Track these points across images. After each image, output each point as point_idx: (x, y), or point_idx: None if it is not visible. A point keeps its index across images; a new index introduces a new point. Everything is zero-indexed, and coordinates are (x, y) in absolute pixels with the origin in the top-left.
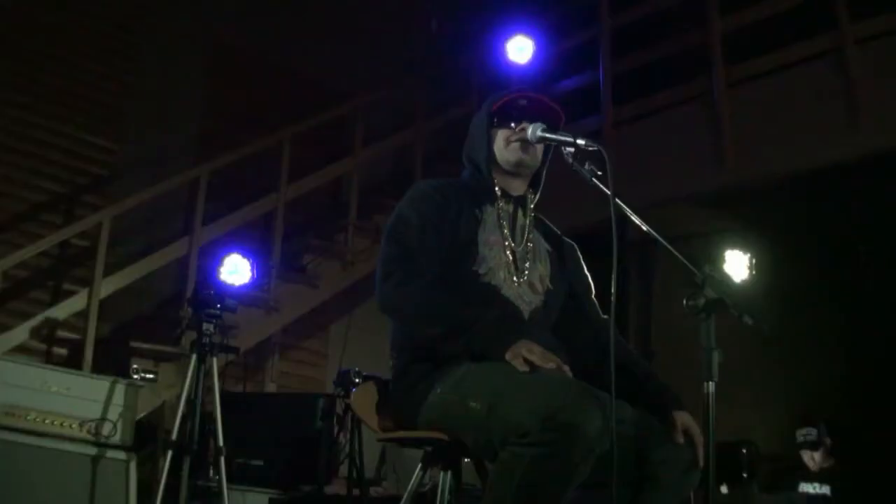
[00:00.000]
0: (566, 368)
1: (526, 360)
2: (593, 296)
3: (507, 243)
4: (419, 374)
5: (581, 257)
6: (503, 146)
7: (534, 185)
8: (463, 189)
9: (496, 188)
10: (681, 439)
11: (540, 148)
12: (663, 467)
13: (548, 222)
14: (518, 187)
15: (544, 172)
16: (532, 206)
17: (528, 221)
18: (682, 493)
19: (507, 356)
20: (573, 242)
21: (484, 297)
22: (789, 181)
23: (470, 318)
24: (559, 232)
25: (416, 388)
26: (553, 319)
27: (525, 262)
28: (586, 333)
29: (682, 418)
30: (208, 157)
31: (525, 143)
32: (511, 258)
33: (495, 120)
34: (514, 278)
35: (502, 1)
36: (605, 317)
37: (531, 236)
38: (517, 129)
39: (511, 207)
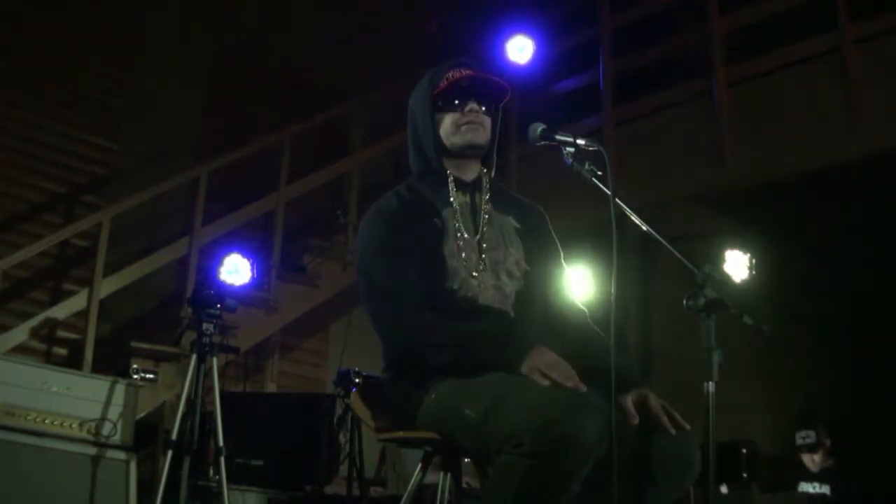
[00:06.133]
0: (582, 386)
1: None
2: (562, 259)
3: (471, 240)
4: (413, 379)
5: (548, 222)
6: (451, 132)
7: (485, 162)
8: (416, 196)
9: (450, 178)
10: (634, 420)
11: (488, 122)
12: (662, 464)
13: (507, 191)
14: (471, 170)
15: (495, 149)
16: (488, 185)
17: (488, 206)
18: (682, 488)
19: (524, 370)
20: (539, 207)
21: (465, 312)
22: (789, 181)
23: (473, 338)
24: (522, 199)
25: (411, 393)
26: (540, 298)
27: (496, 252)
28: (556, 323)
29: (636, 396)
30: (208, 157)
31: (473, 124)
32: (478, 255)
33: (439, 104)
34: (488, 276)
35: (502, 1)
36: (575, 302)
37: (494, 220)
38: (465, 111)
39: (468, 197)
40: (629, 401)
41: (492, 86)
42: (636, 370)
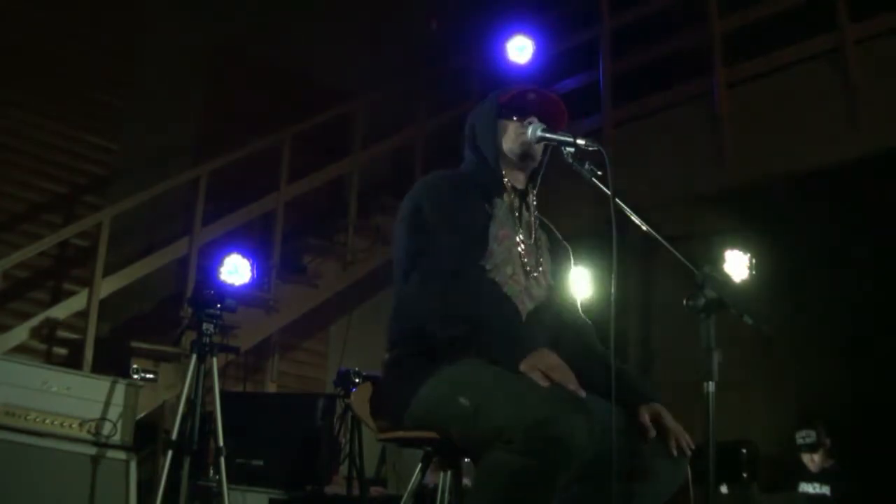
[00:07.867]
0: (582, 392)
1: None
2: (576, 298)
3: (518, 237)
4: (412, 367)
5: (572, 261)
6: (513, 138)
7: (531, 181)
8: (471, 181)
9: (505, 180)
10: (652, 433)
11: (541, 146)
12: (654, 459)
13: (546, 221)
14: (521, 181)
15: (541, 172)
16: (534, 201)
17: (532, 216)
18: (674, 484)
19: (522, 368)
20: (568, 245)
21: (488, 294)
22: (789, 181)
23: (482, 325)
24: (556, 232)
25: (408, 381)
26: (554, 314)
27: (531, 257)
28: (568, 334)
29: (651, 410)
30: (208, 157)
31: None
32: (521, 252)
33: (503, 112)
34: (522, 274)
35: (502, 1)
36: (586, 320)
37: (536, 231)
38: (525, 123)
39: (517, 201)
40: (646, 416)
41: (553, 107)
42: (648, 386)
